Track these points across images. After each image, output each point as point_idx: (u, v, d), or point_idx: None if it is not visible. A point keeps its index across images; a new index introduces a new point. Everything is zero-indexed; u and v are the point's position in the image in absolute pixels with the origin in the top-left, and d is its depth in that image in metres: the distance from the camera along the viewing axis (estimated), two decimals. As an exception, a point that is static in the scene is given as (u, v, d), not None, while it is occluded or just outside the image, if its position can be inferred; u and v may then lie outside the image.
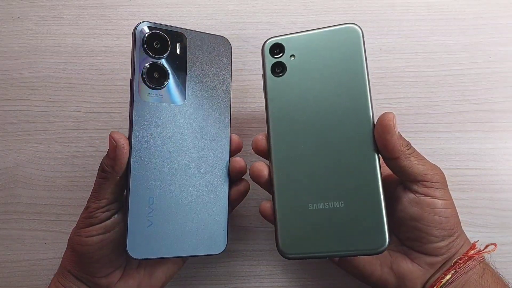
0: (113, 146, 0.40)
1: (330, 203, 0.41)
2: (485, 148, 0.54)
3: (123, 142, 0.40)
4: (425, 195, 0.41)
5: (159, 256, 0.41)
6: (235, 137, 0.46)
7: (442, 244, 0.41)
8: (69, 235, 0.42)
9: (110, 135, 0.40)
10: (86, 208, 0.41)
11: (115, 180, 0.40)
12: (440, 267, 0.42)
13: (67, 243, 0.43)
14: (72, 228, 0.42)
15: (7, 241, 0.52)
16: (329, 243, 0.40)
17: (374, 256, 0.43)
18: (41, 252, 0.52)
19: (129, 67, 0.52)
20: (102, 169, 0.41)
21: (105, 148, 0.52)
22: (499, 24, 0.57)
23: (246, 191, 0.46)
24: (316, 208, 0.41)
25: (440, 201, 0.41)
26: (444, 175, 0.42)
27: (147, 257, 0.41)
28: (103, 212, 0.40)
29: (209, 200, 0.44)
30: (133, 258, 0.40)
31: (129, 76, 0.53)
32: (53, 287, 0.42)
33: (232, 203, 0.46)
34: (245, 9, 0.57)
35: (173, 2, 0.57)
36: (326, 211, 0.41)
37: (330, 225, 0.41)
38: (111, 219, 0.41)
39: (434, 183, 0.41)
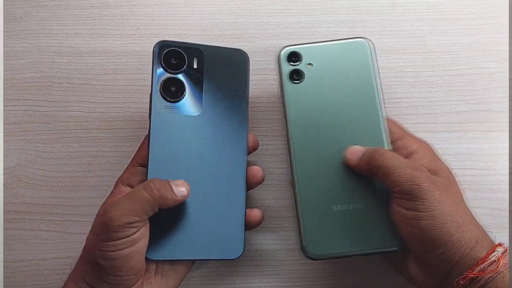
0: (184, 195, 0.42)
1: (351, 205, 0.44)
2: (483, 148, 0.55)
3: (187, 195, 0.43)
4: (397, 205, 0.41)
5: (175, 258, 0.44)
6: (251, 136, 0.49)
7: (427, 256, 0.40)
8: (84, 245, 0.42)
9: (187, 188, 0.43)
10: (110, 219, 0.39)
11: (155, 206, 0.41)
12: (444, 279, 0.40)
13: (84, 255, 0.41)
14: (84, 233, 0.42)
15: (10, 241, 0.52)
16: (352, 243, 0.44)
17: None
18: (43, 252, 0.52)
19: (132, 67, 0.53)
20: (149, 188, 0.41)
21: (106, 148, 0.54)
22: (498, 24, 0.57)
23: (260, 221, 0.47)
24: (340, 209, 0.44)
25: (409, 213, 0.40)
26: (420, 186, 0.40)
27: (164, 259, 0.43)
28: (132, 227, 0.40)
29: (226, 206, 0.46)
30: (150, 259, 0.42)
31: (132, 76, 0.54)
32: None
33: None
34: (247, 9, 0.57)
35: (174, 2, 0.57)
36: (348, 212, 0.44)
37: (352, 225, 0.44)
38: (140, 231, 0.40)
39: (403, 196, 0.40)
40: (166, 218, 0.43)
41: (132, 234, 0.40)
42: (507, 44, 0.57)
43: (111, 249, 0.39)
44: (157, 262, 0.45)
